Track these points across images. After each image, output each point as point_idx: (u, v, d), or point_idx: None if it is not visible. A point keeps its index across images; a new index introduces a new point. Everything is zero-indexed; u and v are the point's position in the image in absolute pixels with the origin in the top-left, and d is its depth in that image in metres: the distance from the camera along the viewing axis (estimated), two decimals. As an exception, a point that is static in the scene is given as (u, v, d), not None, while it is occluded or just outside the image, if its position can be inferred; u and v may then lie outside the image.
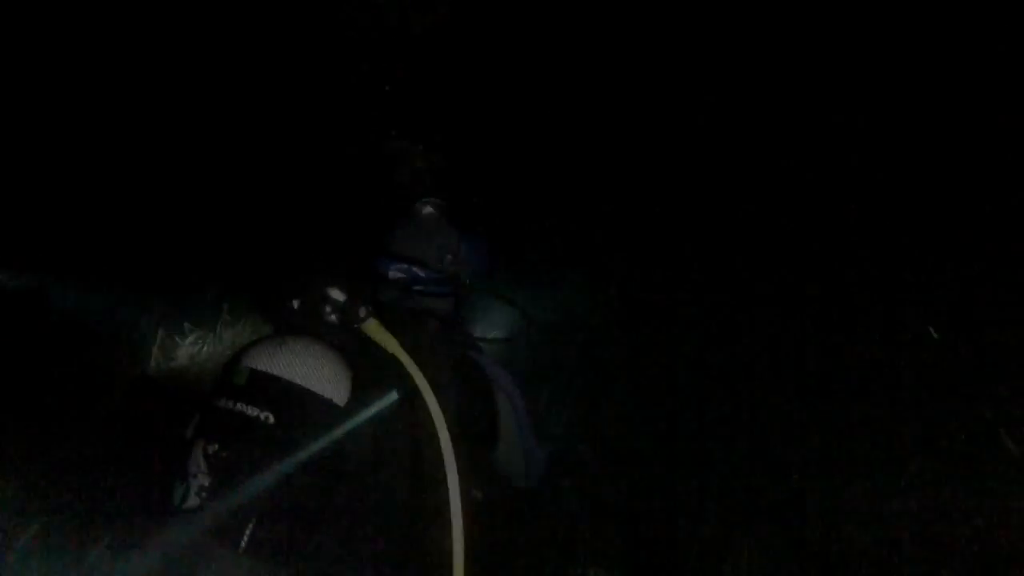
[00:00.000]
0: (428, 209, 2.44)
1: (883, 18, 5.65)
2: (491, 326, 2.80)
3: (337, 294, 2.05)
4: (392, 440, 1.94)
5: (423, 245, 2.34)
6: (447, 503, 1.77)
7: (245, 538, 1.68)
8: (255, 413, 1.85)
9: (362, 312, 2.00)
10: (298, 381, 1.89)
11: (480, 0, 6.19)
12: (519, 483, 2.12)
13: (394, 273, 2.27)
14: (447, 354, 2.09)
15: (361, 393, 1.93)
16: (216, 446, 1.79)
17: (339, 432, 1.88)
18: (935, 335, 4.82)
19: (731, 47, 6.26)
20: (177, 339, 6.97)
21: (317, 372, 1.92)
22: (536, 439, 2.20)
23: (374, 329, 1.99)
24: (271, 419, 1.84)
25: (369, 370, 1.95)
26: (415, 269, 2.29)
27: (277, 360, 1.92)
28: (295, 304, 2.07)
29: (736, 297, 5.99)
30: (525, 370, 2.56)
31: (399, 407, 1.93)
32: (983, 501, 4.05)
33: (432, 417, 1.86)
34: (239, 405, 1.85)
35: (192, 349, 7.04)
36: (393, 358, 1.95)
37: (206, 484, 1.74)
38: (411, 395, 1.90)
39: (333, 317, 2.04)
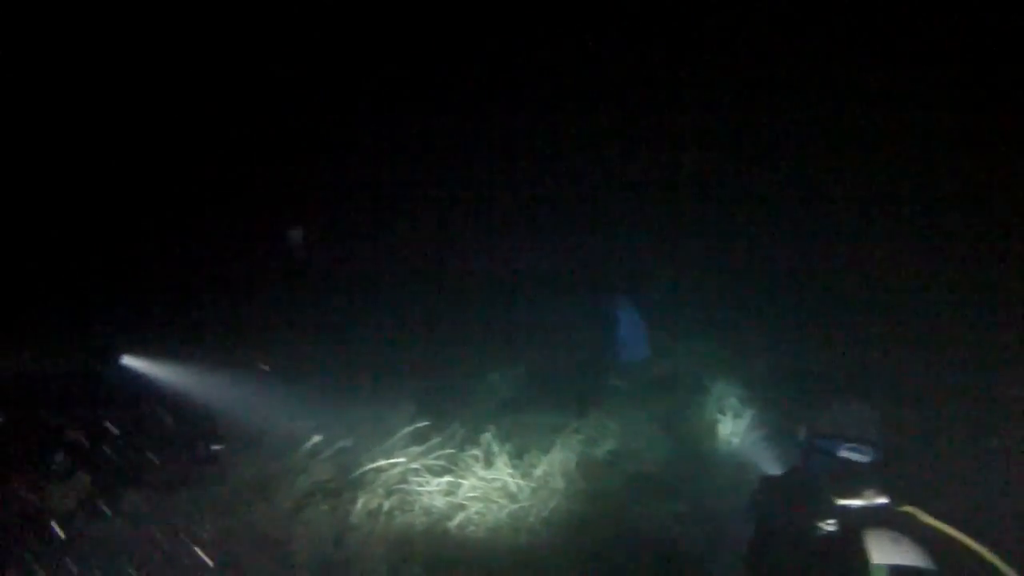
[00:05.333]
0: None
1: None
2: None
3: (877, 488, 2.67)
4: None
5: (858, 424, 2.87)
6: None
7: None
8: None
9: (902, 501, 2.66)
10: (921, 564, 2.39)
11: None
12: None
13: (844, 452, 2.79)
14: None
15: (951, 559, 2.46)
16: None
17: None
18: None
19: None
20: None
21: (922, 552, 2.44)
22: None
23: (908, 507, 2.66)
24: None
25: (928, 540, 2.51)
26: (858, 446, 2.80)
27: (899, 553, 2.40)
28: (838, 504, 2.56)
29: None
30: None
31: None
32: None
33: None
34: None
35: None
36: (919, 520, 2.58)
37: None
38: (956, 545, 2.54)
39: (882, 502, 2.64)
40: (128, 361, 5.97)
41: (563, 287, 7.70)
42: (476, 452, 6.65)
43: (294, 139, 6.48)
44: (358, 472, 6.28)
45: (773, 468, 6.94)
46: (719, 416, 7.30)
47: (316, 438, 6.24)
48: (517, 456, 6.74)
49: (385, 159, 6.82)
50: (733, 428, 7.19)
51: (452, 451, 6.59)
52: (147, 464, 5.66)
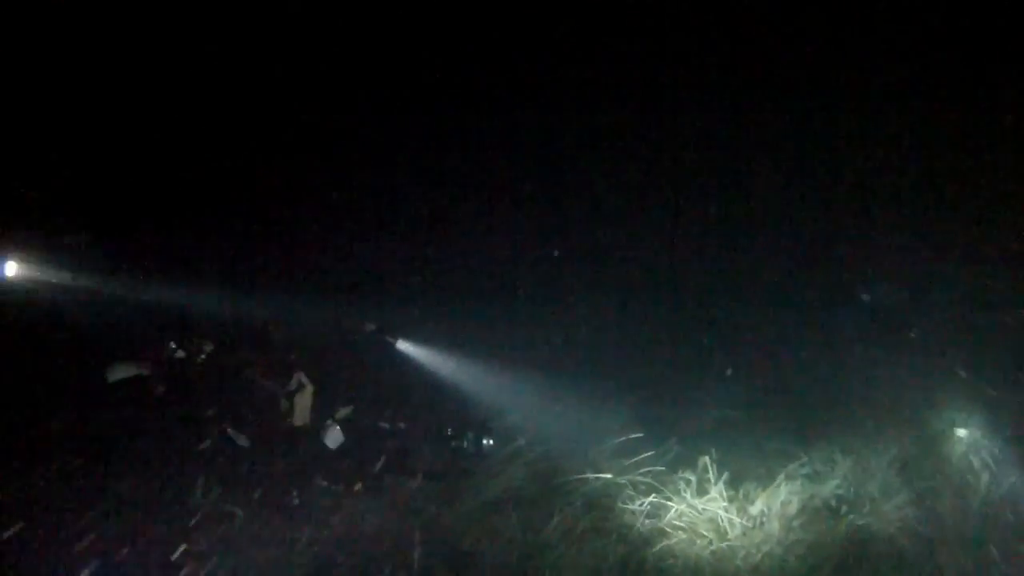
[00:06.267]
0: None
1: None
2: None
3: None
4: None
5: None
6: None
7: None
8: None
9: None
10: None
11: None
12: None
13: None
14: None
15: None
16: None
17: None
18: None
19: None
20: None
21: None
22: None
23: None
24: None
25: None
26: None
27: None
28: None
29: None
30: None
31: None
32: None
33: None
34: None
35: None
36: None
37: None
38: None
39: None
40: (402, 346, 5.20)
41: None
42: (689, 476, 5.64)
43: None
44: (557, 481, 5.37)
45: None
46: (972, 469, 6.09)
47: (520, 441, 5.28)
48: (732, 486, 5.73)
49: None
50: (988, 486, 6.01)
51: (662, 469, 5.60)
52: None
